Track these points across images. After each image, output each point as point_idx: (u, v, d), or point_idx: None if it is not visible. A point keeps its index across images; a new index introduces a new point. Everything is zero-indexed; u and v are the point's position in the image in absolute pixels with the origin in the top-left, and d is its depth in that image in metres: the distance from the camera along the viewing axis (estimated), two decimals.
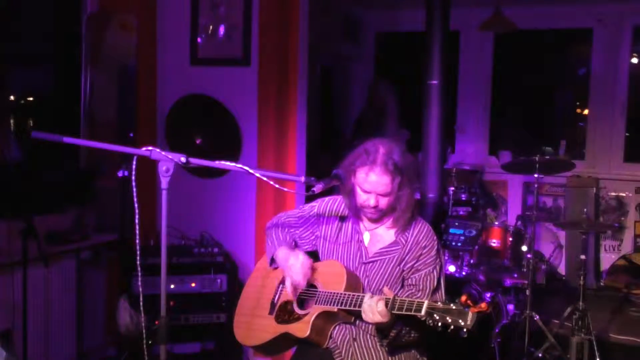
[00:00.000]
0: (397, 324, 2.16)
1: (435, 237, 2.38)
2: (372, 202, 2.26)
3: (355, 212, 2.39)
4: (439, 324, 1.88)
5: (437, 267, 2.34)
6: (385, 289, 2.14)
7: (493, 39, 6.31)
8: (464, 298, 1.89)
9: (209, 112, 3.93)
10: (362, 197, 2.29)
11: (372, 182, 2.23)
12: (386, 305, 2.05)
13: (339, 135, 6.43)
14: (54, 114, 3.99)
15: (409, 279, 2.33)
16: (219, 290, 3.56)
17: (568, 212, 5.84)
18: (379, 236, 2.39)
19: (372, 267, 2.35)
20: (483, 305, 1.87)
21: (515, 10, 5.48)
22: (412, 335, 2.22)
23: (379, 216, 2.35)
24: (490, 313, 3.85)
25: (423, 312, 1.93)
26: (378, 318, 2.08)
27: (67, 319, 3.50)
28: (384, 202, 2.27)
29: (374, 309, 2.08)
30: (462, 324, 1.84)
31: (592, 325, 3.64)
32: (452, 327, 1.86)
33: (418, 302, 1.96)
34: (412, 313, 1.96)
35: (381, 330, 2.19)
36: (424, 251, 2.33)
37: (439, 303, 1.91)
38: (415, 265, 2.32)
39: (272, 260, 2.50)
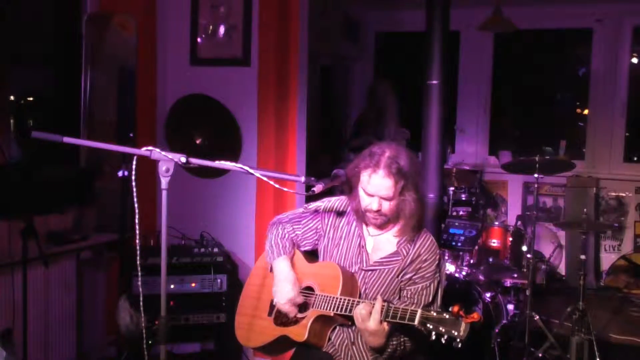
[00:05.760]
0: (390, 343, 2.17)
1: (437, 251, 2.35)
2: (375, 206, 2.23)
3: (359, 216, 2.37)
4: (433, 333, 1.89)
5: (435, 282, 2.32)
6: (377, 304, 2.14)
7: (493, 39, 6.33)
8: (456, 308, 1.89)
9: (209, 112, 3.93)
10: (365, 201, 2.26)
11: (375, 184, 2.21)
12: (379, 313, 2.05)
13: (339, 135, 6.43)
14: (54, 114, 3.99)
15: (405, 291, 2.32)
16: (219, 290, 3.56)
17: (568, 212, 5.85)
18: (381, 244, 2.37)
19: (372, 276, 2.34)
20: (475, 315, 1.88)
21: (515, 10, 5.48)
22: (407, 346, 2.24)
23: (383, 222, 2.32)
24: (490, 313, 3.85)
25: (416, 321, 1.93)
26: (372, 328, 2.08)
27: (67, 319, 3.49)
28: (387, 206, 2.24)
29: (365, 319, 2.07)
30: (455, 334, 1.85)
31: (592, 325, 3.64)
32: (445, 336, 1.87)
33: (412, 310, 1.97)
34: (406, 322, 1.97)
35: (375, 349, 2.19)
36: (424, 265, 2.31)
37: (433, 312, 1.91)
38: (413, 277, 2.31)
39: (271, 268, 2.49)
